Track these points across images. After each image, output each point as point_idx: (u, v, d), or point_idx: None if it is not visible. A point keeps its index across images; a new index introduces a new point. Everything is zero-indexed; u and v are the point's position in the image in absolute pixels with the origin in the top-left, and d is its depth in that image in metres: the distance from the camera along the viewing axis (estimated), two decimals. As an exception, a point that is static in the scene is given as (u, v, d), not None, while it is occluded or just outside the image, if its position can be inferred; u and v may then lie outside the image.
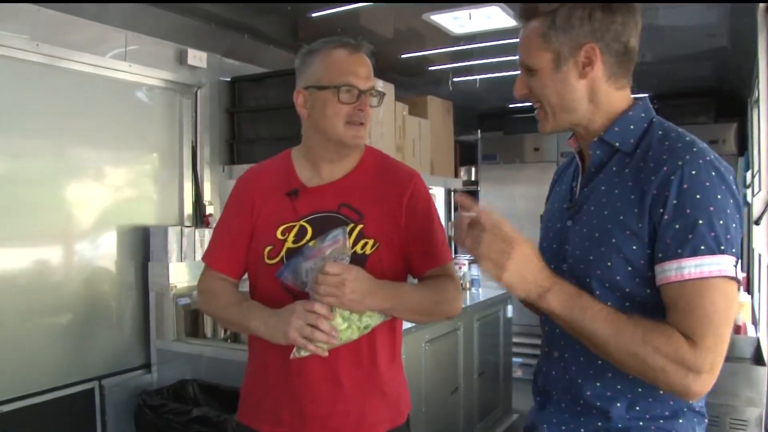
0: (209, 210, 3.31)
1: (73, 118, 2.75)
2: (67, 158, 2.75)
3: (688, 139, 1.13)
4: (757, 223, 2.64)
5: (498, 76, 4.51)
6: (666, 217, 1.08)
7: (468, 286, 4.50)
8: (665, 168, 1.09)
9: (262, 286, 1.61)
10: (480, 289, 4.51)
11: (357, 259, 1.53)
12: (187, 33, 3.16)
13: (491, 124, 6.25)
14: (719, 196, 1.06)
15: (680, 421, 1.17)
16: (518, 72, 1.27)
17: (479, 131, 6.27)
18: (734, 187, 1.10)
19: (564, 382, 1.25)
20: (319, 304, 1.40)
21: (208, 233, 3.05)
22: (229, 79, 3.46)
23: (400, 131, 3.97)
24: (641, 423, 1.17)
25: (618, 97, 1.21)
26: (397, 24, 3.55)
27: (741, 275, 1.10)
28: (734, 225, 1.08)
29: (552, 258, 1.21)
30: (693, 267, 1.05)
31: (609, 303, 1.12)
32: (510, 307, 4.49)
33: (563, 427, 1.25)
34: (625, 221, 1.12)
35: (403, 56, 4.08)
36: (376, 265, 1.55)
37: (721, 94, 5.15)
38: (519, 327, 4.89)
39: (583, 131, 1.25)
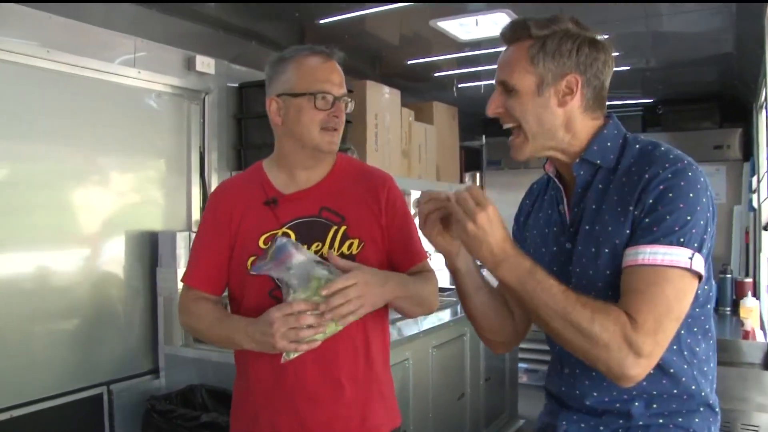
0: (217, 215, 3.32)
1: (83, 124, 2.76)
2: (76, 163, 2.76)
3: (663, 148, 1.19)
4: (766, 228, 2.65)
5: (503, 82, 4.53)
6: (642, 215, 1.14)
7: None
8: (646, 176, 1.16)
9: (248, 297, 1.60)
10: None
11: (345, 259, 1.55)
12: (195, 39, 3.18)
13: (496, 130, 6.20)
14: (691, 195, 1.12)
15: (696, 420, 1.20)
16: None
17: (484, 137, 6.27)
18: (708, 188, 1.15)
19: (577, 395, 1.27)
20: (296, 302, 1.41)
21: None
22: (236, 86, 3.48)
23: (407, 137, 3.99)
24: (661, 420, 1.20)
25: (593, 124, 1.27)
26: (403, 30, 3.57)
27: (701, 270, 1.13)
28: (702, 222, 1.12)
29: None
30: (648, 254, 1.11)
31: None
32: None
33: (582, 425, 1.26)
34: (615, 231, 1.18)
35: (409, 62, 4.10)
36: (363, 263, 1.57)
37: (726, 100, 5.15)
38: (524, 332, 4.85)
39: (561, 155, 1.28)
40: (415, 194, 4.12)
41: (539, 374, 5.80)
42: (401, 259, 1.68)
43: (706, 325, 1.24)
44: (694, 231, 1.11)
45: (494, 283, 1.34)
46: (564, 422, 1.29)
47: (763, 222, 2.62)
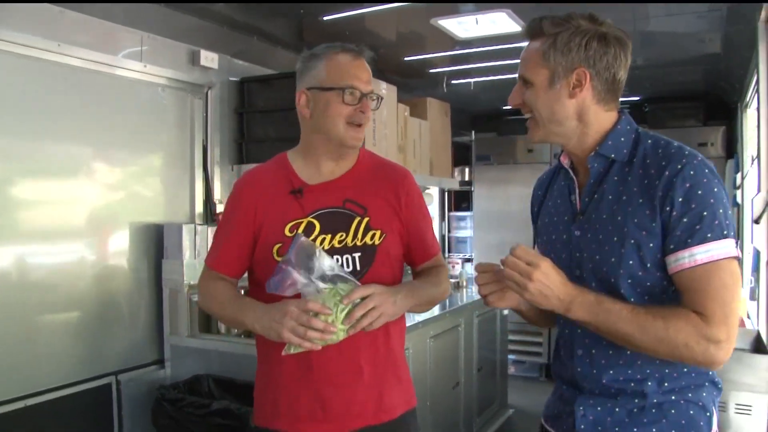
0: (219, 208, 3.36)
1: (90, 117, 2.79)
2: (81, 155, 2.79)
3: (676, 144, 1.30)
4: (756, 222, 2.78)
5: (493, 79, 4.62)
6: (674, 213, 1.23)
7: (465, 284, 4.55)
8: (667, 172, 1.24)
9: None
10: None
11: (367, 250, 1.65)
12: (199, 34, 3.22)
13: (485, 126, 6.34)
14: (715, 189, 1.22)
15: (704, 394, 1.31)
16: (513, 75, 1.41)
17: (473, 132, 6.36)
18: (720, 179, 1.27)
19: (593, 375, 1.35)
20: (312, 303, 1.46)
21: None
22: (238, 80, 3.52)
23: (402, 132, 4.05)
24: (673, 397, 1.30)
25: (607, 116, 1.36)
26: (401, 28, 3.63)
27: (739, 253, 1.26)
28: (729, 211, 1.25)
29: (563, 267, 1.32)
30: (703, 253, 1.21)
31: (632, 299, 1.27)
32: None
33: (599, 408, 1.34)
34: (640, 223, 1.26)
35: (405, 59, 4.16)
36: (385, 254, 1.66)
37: (710, 99, 5.29)
38: (512, 324, 4.96)
39: (575, 148, 1.38)
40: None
41: (526, 365, 5.93)
42: (417, 253, 1.77)
43: None
44: (727, 222, 1.23)
45: None
46: (581, 407, 1.36)
47: (755, 216, 2.75)
